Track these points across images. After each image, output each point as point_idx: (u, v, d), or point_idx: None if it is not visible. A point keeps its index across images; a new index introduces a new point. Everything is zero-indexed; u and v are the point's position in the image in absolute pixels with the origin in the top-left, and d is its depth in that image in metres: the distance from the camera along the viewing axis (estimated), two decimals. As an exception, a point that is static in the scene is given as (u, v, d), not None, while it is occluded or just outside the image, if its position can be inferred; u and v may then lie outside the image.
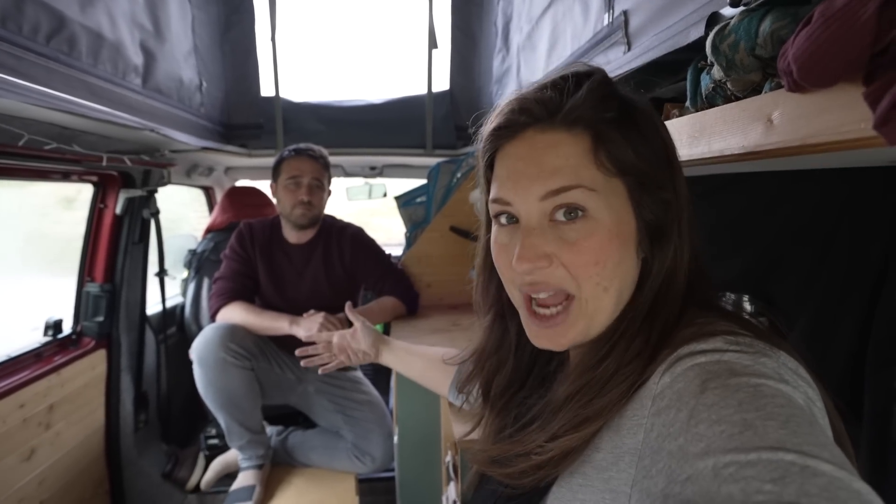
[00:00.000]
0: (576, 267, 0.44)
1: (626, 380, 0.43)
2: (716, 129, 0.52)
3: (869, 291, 0.59)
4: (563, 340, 0.47)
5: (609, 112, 0.44)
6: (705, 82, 0.56)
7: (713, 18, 0.53)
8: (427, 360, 0.97)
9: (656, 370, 0.41)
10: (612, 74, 0.83)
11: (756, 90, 0.50)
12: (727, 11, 0.51)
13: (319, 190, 1.65)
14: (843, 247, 0.63)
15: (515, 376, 0.60)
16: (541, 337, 0.49)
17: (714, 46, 0.49)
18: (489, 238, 0.52)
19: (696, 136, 0.55)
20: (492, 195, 0.49)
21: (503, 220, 0.49)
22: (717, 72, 0.52)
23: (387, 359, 1.03)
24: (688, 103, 0.60)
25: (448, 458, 1.29)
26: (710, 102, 0.56)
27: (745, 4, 0.47)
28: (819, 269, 0.67)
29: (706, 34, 0.53)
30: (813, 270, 0.68)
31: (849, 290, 0.63)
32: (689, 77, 0.60)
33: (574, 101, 0.44)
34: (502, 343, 0.60)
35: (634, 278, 0.47)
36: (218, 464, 1.75)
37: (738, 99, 0.52)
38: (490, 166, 0.50)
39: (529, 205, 0.45)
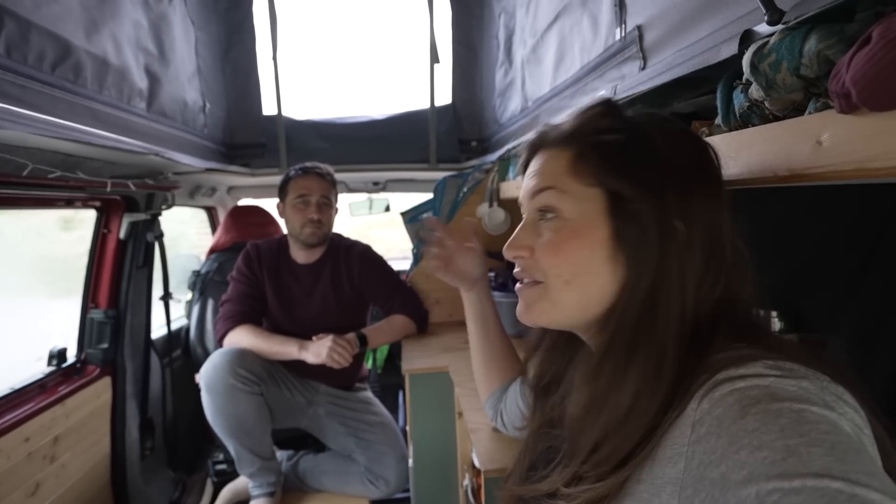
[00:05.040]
0: (542, 257, 0.51)
1: (639, 421, 0.42)
2: (755, 150, 0.51)
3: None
4: (528, 312, 0.53)
5: (598, 133, 0.50)
6: (738, 100, 0.55)
7: (747, 36, 0.52)
8: (501, 350, 0.92)
9: (694, 396, 0.40)
10: (628, 90, 0.83)
11: (797, 110, 0.48)
12: (762, 29, 0.49)
13: (328, 208, 1.64)
14: (884, 261, 0.61)
15: (547, 371, 0.64)
16: (519, 308, 0.55)
17: (753, 65, 0.48)
18: None
19: (733, 157, 0.53)
20: None
21: None
22: (755, 90, 0.50)
23: (471, 299, 0.92)
24: (719, 121, 0.59)
25: (466, 482, 1.25)
26: (744, 121, 0.55)
27: (784, 23, 0.46)
28: (856, 285, 0.65)
29: (740, 52, 0.51)
30: (850, 286, 0.66)
31: (890, 306, 0.61)
32: (719, 94, 0.58)
33: (566, 124, 0.53)
34: (542, 338, 0.66)
35: (606, 287, 0.48)
36: (228, 492, 1.70)
37: (776, 118, 0.50)
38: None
39: (525, 204, 0.55)
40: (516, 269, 0.55)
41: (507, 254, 0.54)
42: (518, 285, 0.55)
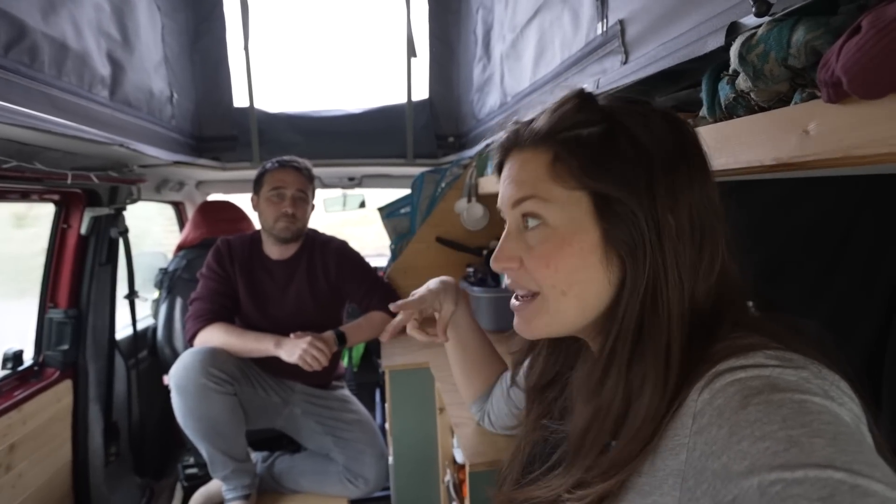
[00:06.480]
0: (532, 269, 0.49)
1: (649, 421, 0.41)
2: (742, 140, 0.51)
3: (887, 294, 0.60)
4: (529, 328, 0.52)
5: (574, 129, 0.47)
6: (724, 92, 0.55)
7: (733, 28, 0.52)
8: (481, 358, 0.90)
9: (695, 386, 0.40)
10: (610, 84, 0.83)
11: (782, 100, 0.49)
12: (749, 21, 0.50)
13: (303, 203, 1.59)
14: (859, 249, 0.63)
15: (547, 373, 0.63)
16: (517, 324, 0.53)
17: (741, 56, 0.49)
18: None
19: (720, 148, 0.54)
20: None
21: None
22: (742, 81, 0.51)
23: (452, 333, 0.90)
24: (704, 113, 0.59)
25: (448, 478, 1.25)
26: (729, 112, 0.56)
27: (771, 14, 0.46)
28: (832, 273, 0.67)
29: (727, 44, 0.52)
30: (825, 274, 0.68)
31: (864, 295, 0.63)
32: (704, 86, 0.59)
33: (539, 121, 0.49)
34: (536, 342, 0.64)
35: (603, 290, 0.47)
36: (200, 496, 1.64)
37: (762, 109, 0.51)
38: None
39: (507, 213, 0.52)
40: (508, 281, 0.54)
41: (496, 266, 0.52)
42: (514, 301, 0.53)
